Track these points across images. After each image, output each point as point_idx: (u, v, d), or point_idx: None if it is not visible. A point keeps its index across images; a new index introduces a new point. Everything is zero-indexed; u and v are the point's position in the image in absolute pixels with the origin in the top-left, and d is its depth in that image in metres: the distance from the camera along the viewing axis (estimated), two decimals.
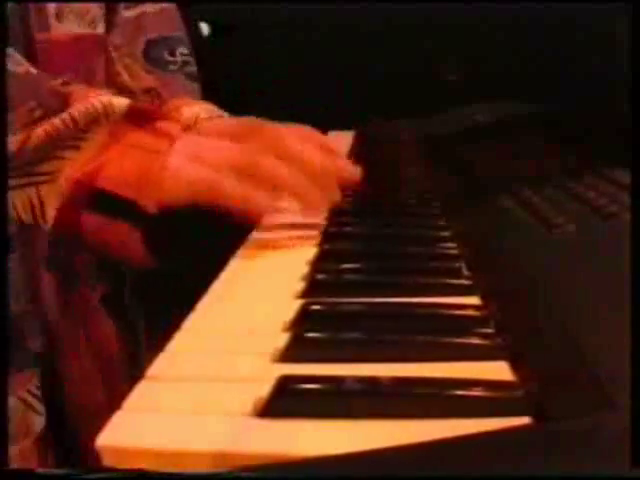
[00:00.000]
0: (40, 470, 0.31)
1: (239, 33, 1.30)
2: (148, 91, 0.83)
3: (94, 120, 0.60)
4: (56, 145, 0.59)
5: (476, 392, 0.33)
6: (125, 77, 0.82)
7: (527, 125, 0.96)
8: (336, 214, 0.65)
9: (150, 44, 0.84)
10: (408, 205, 0.69)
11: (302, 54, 1.27)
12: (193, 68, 0.87)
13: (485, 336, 0.39)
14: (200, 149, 0.61)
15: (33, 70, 0.64)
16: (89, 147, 0.59)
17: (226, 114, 0.82)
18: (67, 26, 0.73)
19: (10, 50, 0.63)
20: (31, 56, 0.68)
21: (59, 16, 0.72)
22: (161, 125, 0.62)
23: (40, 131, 0.59)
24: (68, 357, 0.71)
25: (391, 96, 1.22)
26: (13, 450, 0.64)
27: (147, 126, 0.61)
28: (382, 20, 1.24)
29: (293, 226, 0.62)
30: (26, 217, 0.60)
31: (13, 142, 0.58)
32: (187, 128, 0.78)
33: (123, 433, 0.32)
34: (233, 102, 0.79)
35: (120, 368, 0.73)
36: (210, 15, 1.30)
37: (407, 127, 1.09)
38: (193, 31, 1.22)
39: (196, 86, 0.87)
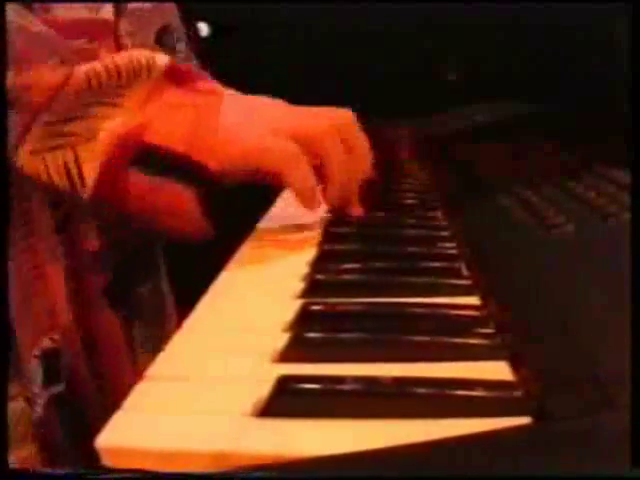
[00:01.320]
0: (40, 470, 0.31)
1: (239, 33, 1.30)
2: None
3: (137, 74, 0.56)
4: (95, 97, 0.55)
5: (476, 392, 0.33)
6: None
7: (527, 125, 0.96)
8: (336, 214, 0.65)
9: (160, 32, 0.80)
10: (408, 205, 0.69)
11: (302, 54, 1.27)
12: (194, 62, 0.84)
13: (485, 336, 0.39)
14: (256, 109, 0.59)
15: (51, 31, 0.59)
16: (130, 104, 0.55)
17: None
18: (69, 10, 0.68)
19: (22, 10, 0.57)
20: None
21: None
22: (203, 84, 0.59)
23: (81, 73, 0.55)
24: (74, 350, 0.70)
25: (391, 96, 1.22)
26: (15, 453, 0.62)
27: (188, 85, 0.58)
28: (382, 20, 1.24)
29: (295, 227, 0.62)
30: (61, 183, 0.55)
31: (51, 81, 0.53)
32: None
33: (123, 433, 0.32)
34: None
35: (125, 361, 0.72)
36: (210, 15, 1.30)
37: (407, 127, 1.09)
38: (193, 31, 1.22)
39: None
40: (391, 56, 1.25)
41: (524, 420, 0.32)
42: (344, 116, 0.63)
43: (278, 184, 0.59)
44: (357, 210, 0.62)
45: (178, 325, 0.44)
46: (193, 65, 0.82)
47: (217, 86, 0.61)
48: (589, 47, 1.03)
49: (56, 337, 0.63)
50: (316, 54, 1.27)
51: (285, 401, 0.33)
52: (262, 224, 0.66)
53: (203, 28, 1.30)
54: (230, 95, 0.60)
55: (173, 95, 0.57)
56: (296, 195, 0.58)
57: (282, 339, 0.39)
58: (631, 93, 0.54)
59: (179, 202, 0.57)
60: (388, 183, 0.78)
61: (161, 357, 0.39)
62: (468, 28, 1.20)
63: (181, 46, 0.82)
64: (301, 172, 0.56)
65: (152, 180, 0.55)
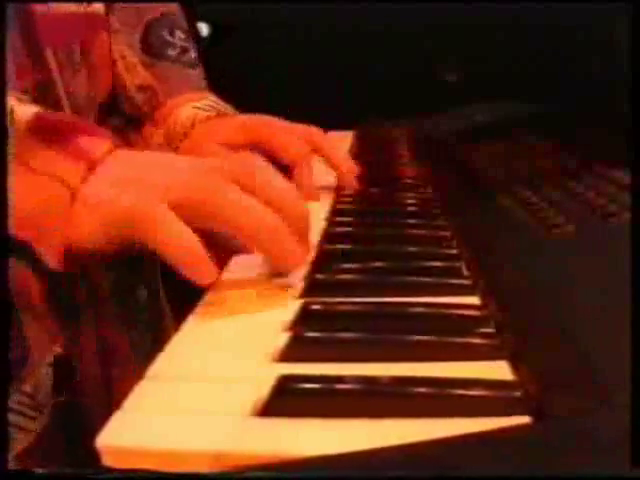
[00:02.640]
0: (40, 470, 0.31)
1: (239, 33, 1.30)
2: (144, 89, 0.77)
3: None
4: None
5: (475, 392, 0.33)
6: (120, 67, 0.76)
7: (527, 125, 0.96)
8: (336, 214, 0.65)
9: (150, 24, 0.79)
10: (408, 205, 0.68)
11: (302, 54, 1.27)
12: (192, 54, 0.82)
13: (485, 336, 0.39)
14: (132, 171, 0.48)
15: None
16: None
17: (230, 107, 0.79)
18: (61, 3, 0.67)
19: None
20: (29, 28, 0.61)
21: None
22: (81, 142, 0.49)
23: None
24: (83, 357, 0.67)
25: (391, 96, 1.22)
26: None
27: (60, 144, 0.48)
28: (382, 20, 1.24)
29: None
30: None
31: None
32: (184, 136, 0.75)
33: (123, 433, 0.32)
34: (233, 102, 0.79)
35: (129, 366, 0.71)
36: (210, 15, 1.30)
37: (407, 127, 1.09)
38: (193, 31, 1.22)
39: (197, 72, 0.82)
40: (391, 56, 1.25)
41: (524, 420, 0.32)
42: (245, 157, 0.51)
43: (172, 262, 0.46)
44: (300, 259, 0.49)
45: (176, 329, 0.43)
46: (185, 63, 0.80)
47: (100, 144, 0.50)
48: (589, 47, 1.03)
49: (66, 344, 0.62)
50: (316, 54, 1.27)
51: (285, 401, 0.33)
52: None
53: (203, 28, 1.30)
54: (113, 159, 0.49)
55: (40, 157, 0.48)
56: (177, 268, 0.46)
57: (282, 339, 0.39)
58: (631, 93, 0.54)
59: (27, 288, 0.52)
60: (388, 183, 0.78)
61: (161, 357, 0.39)
62: (468, 28, 1.20)
63: (180, 35, 0.80)
64: (169, 236, 0.45)
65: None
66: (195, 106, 0.77)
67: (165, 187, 0.46)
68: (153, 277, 0.75)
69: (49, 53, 0.64)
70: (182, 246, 0.45)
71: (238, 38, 1.30)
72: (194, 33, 0.94)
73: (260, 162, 0.50)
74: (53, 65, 0.64)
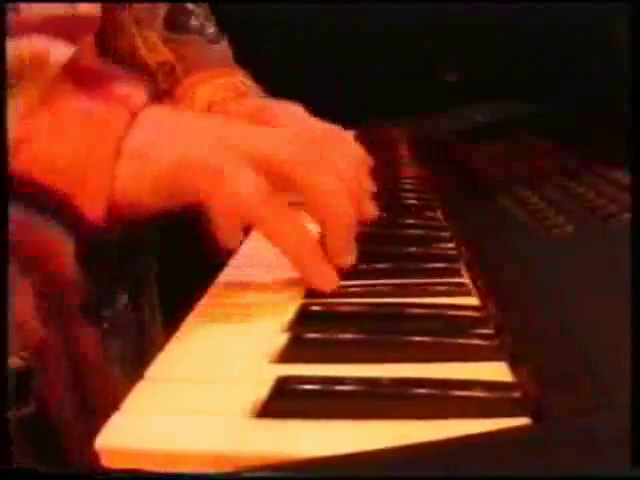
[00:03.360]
0: (40, 470, 0.30)
1: (239, 33, 1.30)
2: (162, 65, 0.72)
3: (19, 72, 0.43)
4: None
5: (475, 393, 0.33)
6: (143, 51, 0.72)
7: (527, 125, 0.96)
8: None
9: (172, 9, 0.75)
10: (408, 205, 0.68)
11: (302, 54, 1.27)
12: (213, 29, 0.79)
13: (484, 337, 0.39)
14: (187, 129, 0.44)
15: None
16: (19, 106, 0.42)
17: (255, 86, 0.74)
18: (37, 7, 0.61)
19: None
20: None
21: None
22: (119, 88, 0.45)
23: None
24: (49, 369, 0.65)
25: (391, 96, 1.22)
26: None
27: (96, 88, 0.44)
28: (382, 20, 1.24)
29: None
30: None
31: None
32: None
33: (121, 434, 0.32)
34: None
35: (105, 378, 0.68)
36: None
37: (407, 127, 1.09)
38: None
39: (220, 46, 0.79)
40: (391, 56, 1.25)
41: (523, 421, 0.31)
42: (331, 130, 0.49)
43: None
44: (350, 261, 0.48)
45: (164, 339, 0.41)
46: (207, 38, 0.77)
47: (138, 92, 0.46)
48: (589, 47, 1.03)
49: (26, 355, 0.59)
50: (316, 54, 1.27)
51: (284, 402, 0.33)
52: None
53: None
54: (158, 108, 0.46)
55: (70, 102, 0.43)
56: (214, 226, 0.43)
57: (281, 339, 0.39)
58: (631, 93, 0.54)
59: (54, 253, 0.46)
60: (388, 183, 0.78)
61: (159, 358, 0.39)
62: (468, 28, 1.20)
63: (199, 23, 0.77)
64: (227, 191, 0.42)
65: (28, 217, 0.43)
66: (215, 83, 0.73)
67: (230, 139, 0.43)
68: (135, 282, 0.74)
69: None
70: (232, 207, 0.42)
71: (238, 38, 1.30)
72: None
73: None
74: None
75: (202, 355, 0.40)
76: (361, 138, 1.04)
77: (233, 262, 0.55)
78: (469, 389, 0.33)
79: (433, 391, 0.33)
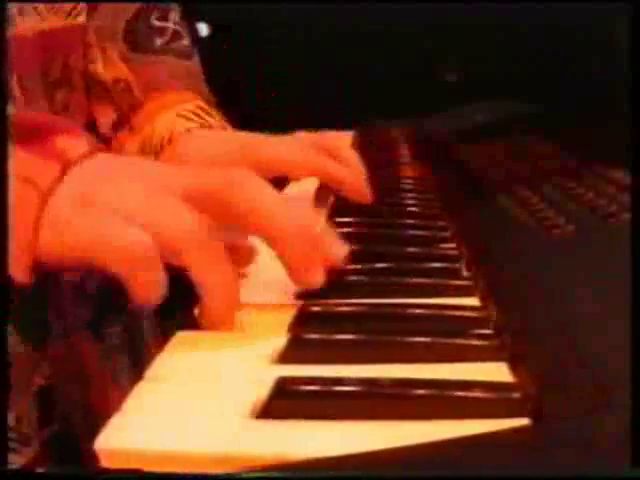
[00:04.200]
0: (40, 470, 0.30)
1: (239, 33, 1.30)
2: (117, 81, 0.70)
3: None
4: None
5: (475, 393, 0.33)
6: (99, 65, 0.70)
7: (527, 125, 0.96)
8: (336, 214, 0.64)
9: (139, 12, 0.72)
10: (408, 205, 0.68)
11: (302, 54, 1.27)
12: (185, 42, 0.75)
13: (484, 337, 0.39)
14: (112, 195, 0.42)
15: None
16: None
17: (218, 115, 0.72)
18: (33, 21, 0.62)
19: None
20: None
21: (22, 10, 0.61)
22: (57, 142, 0.44)
23: None
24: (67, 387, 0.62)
25: (391, 96, 1.22)
26: None
27: (34, 144, 0.43)
28: (382, 20, 1.24)
29: None
30: None
31: None
32: (161, 149, 0.67)
33: (122, 435, 0.32)
34: (233, 103, 0.78)
35: (111, 394, 0.65)
36: (210, 15, 1.30)
37: (407, 127, 1.09)
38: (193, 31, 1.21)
39: (189, 65, 0.75)
40: (391, 56, 1.25)
41: (523, 421, 0.31)
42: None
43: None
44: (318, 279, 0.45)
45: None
46: (175, 53, 0.73)
47: (79, 145, 0.45)
48: (589, 47, 1.03)
49: (47, 374, 0.59)
50: (316, 54, 1.27)
51: (284, 403, 0.33)
52: None
53: (203, 28, 1.30)
54: (88, 165, 0.44)
55: (13, 159, 0.42)
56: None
57: (281, 340, 0.39)
58: (631, 93, 0.54)
59: None
60: (388, 183, 0.78)
61: (160, 358, 0.39)
62: (468, 28, 1.20)
63: (174, 18, 0.74)
64: (145, 276, 0.40)
65: None
66: (177, 112, 0.70)
67: (143, 215, 0.40)
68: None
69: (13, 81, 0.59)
70: (154, 290, 0.40)
71: (238, 38, 1.30)
72: (192, 31, 0.88)
73: (254, 178, 0.44)
74: (17, 92, 0.60)
75: (202, 355, 0.39)
76: (361, 138, 1.05)
77: None
78: (469, 389, 0.33)
79: (433, 392, 0.33)
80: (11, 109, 0.47)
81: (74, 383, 0.62)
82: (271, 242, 0.43)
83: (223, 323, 0.41)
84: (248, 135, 0.69)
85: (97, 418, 0.60)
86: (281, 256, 0.43)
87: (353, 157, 0.68)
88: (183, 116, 0.69)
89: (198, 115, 0.70)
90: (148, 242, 0.39)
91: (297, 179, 0.68)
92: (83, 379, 0.63)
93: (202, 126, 0.70)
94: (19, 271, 0.41)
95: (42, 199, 0.41)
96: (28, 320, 0.46)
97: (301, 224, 0.43)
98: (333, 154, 0.67)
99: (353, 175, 0.67)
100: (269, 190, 0.43)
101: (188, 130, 0.68)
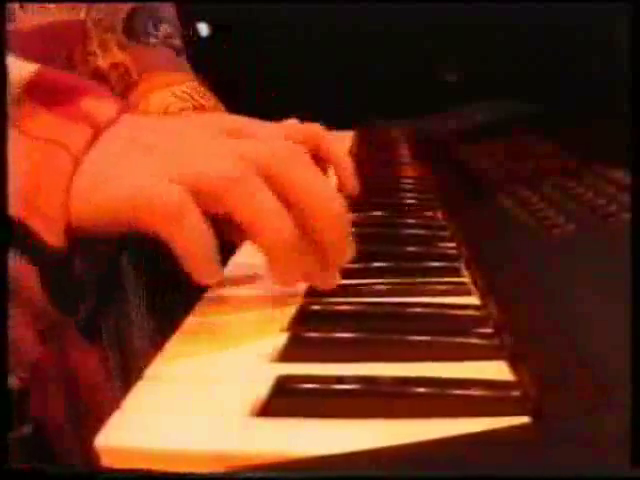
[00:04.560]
0: (40, 470, 0.30)
1: (239, 33, 1.30)
2: (116, 66, 0.70)
3: None
4: None
5: (475, 392, 0.33)
6: (99, 56, 0.70)
7: (527, 125, 0.96)
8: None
9: (134, 11, 0.73)
10: (408, 205, 0.68)
11: (302, 54, 1.27)
12: (178, 42, 0.76)
13: (484, 336, 0.39)
14: (144, 142, 0.42)
15: None
16: None
17: (211, 96, 0.72)
18: (36, 15, 0.63)
19: None
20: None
21: (23, 5, 0.61)
22: (85, 103, 0.43)
23: None
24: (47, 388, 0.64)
25: (391, 96, 1.22)
26: None
27: (61, 106, 0.42)
28: (382, 20, 1.24)
29: None
30: None
31: None
32: None
33: (122, 433, 0.32)
34: (233, 102, 0.78)
35: (104, 394, 0.66)
36: (210, 15, 1.30)
37: (407, 127, 1.09)
38: (192, 31, 1.22)
39: (182, 60, 0.76)
40: (391, 56, 1.25)
41: (523, 420, 0.31)
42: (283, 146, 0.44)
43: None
44: (332, 282, 0.45)
45: (154, 353, 0.40)
46: (169, 46, 0.74)
47: (108, 108, 0.44)
48: (589, 47, 1.03)
49: (24, 376, 0.55)
50: (316, 54, 1.27)
51: (284, 401, 0.33)
52: None
53: (203, 28, 1.30)
54: (122, 124, 0.43)
55: (30, 123, 0.41)
56: (183, 263, 0.41)
57: (281, 339, 0.39)
58: (631, 93, 0.54)
59: (20, 278, 0.43)
60: (388, 183, 0.78)
61: (160, 357, 0.39)
62: (468, 28, 1.20)
63: (166, 27, 0.75)
64: (186, 231, 0.39)
65: None
66: (172, 92, 0.70)
67: (181, 167, 0.40)
68: (122, 301, 0.70)
69: None
70: (196, 243, 0.40)
71: (238, 38, 1.30)
72: (190, 32, 0.89)
73: (302, 155, 0.43)
74: None
75: (202, 354, 0.39)
76: (361, 138, 1.05)
77: (235, 258, 0.55)
78: (469, 388, 0.33)
79: (433, 390, 0.33)
80: (32, 66, 0.45)
81: (59, 383, 0.62)
82: (260, 249, 0.42)
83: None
84: (234, 118, 0.69)
85: (86, 418, 0.60)
86: (266, 258, 0.42)
87: (342, 154, 0.68)
88: (178, 96, 0.70)
89: (192, 97, 0.70)
90: (184, 197, 0.39)
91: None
92: (70, 378, 0.63)
93: (195, 108, 0.70)
94: (53, 235, 0.40)
95: (75, 162, 0.40)
96: (60, 287, 0.44)
97: (286, 235, 0.41)
98: (322, 149, 0.67)
99: (342, 167, 0.66)
100: (322, 178, 0.43)
101: (181, 109, 0.69)
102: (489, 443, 0.29)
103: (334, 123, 0.72)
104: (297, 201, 0.42)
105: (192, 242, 0.40)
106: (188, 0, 0.85)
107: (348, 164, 0.69)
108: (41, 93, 0.42)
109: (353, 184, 0.67)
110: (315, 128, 0.69)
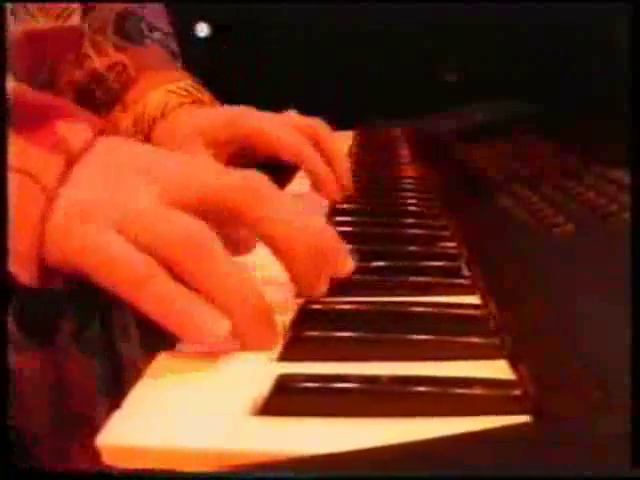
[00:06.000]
0: (41, 470, 0.30)
1: (239, 33, 1.30)
2: (113, 66, 0.70)
3: None
4: None
5: (475, 391, 0.33)
6: (94, 58, 0.70)
7: (527, 125, 0.96)
8: (336, 214, 0.64)
9: (126, 13, 0.73)
10: (408, 205, 0.69)
11: (302, 54, 1.27)
12: (173, 45, 0.76)
13: (485, 335, 0.39)
14: (114, 183, 0.39)
15: None
16: None
17: (208, 94, 0.72)
18: (24, 21, 0.62)
19: None
20: None
21: (13, 10, 0.61)
22: (59, 129, 0.40)
23: None
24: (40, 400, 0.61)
25: (391, 96, 1.22)
26: None
27: (34, 131, 0.40)
28: (382, 20, 1.24)
29: None
30: None
31: None
32: (153, 123, 0.68)
33: (122, 432, 0.32)
34: (232, 103, 0.78)
35: (96, 403, 0.64)
36: (210, 15, 1.30)
37: (407, 127, 1.09)
38: (189, 31, 1.22)
39: (176, 64, 0.76)
40: (391, 56, 1.25)
41: (523, 419, 0.32)
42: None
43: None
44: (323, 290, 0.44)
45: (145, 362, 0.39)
46: (165, 48, 0.75)
47: (84, 132, 0.41)
48: (589, 47, 1.03)
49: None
50: (316, 54, 1.27)
51: (285, 400, 0.33)
52: None
53: (203, 28, 1.30)
54: (95, 157, 0.41)
55: (11, 150, 0.39)
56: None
57: (282, 338, 0.39)
58: (631, 93, 0.54)
59: None
60: (388, 183, 0.78)
61: (160, 356, 0.39)
62: (468, 28, 1.20)
63: (157, 35, 0.75)
64: (153, 298, 0.37)
65: None
66: (169, 89, 0.70)
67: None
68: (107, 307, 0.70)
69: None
70: (166, 309, 0.37)
71: (238, 38, 1.30)
72: (189, 34, 0.89)
73: (269, 184, 0.41)
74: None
75: (202, 353, 0.39)
76: (361, 138, 1.05)
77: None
78: (469, 387, 0.33)
79: (433, 389, 0.33)
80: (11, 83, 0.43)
81: (49, 392, 0.61)
82: (281, 255, 0.42)
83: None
84: (236, 108, 0.69)
85: (80, 429, 0.59)
86: (289, 270, 0.42)
87: (338, 150, 0.69)
88: (175, 92, 0.70)
89: (189, 92, 0.71)
90: (139, 260, 0.37)
91: (282, 158, 0.67)
92: (60, 388, 0.62)
93: (194, 102, 0.70)
94: (25, 273, 0.39)
95: (48, 197, 0.38)
96: (33, 321, 0.43)
97: (313, 237, 0.42)
98: (320, 144, 0.68)
99: (325, 172, 0.67)
100: (286, 200, 0.41)
101: (180, 104, 0.69)
102: (489, 442, 0.29)
103: (334, 123, 0.73)
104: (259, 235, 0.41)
105: (160, 308, 0.37)
106: (188, 0, 0.85)
107: (345, 162, 0.70)
108: (13, 116, 0.40)
109: (348, 182, 0.69)
110: (316, 123, 0.70)
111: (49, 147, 0.40)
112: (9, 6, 0.61)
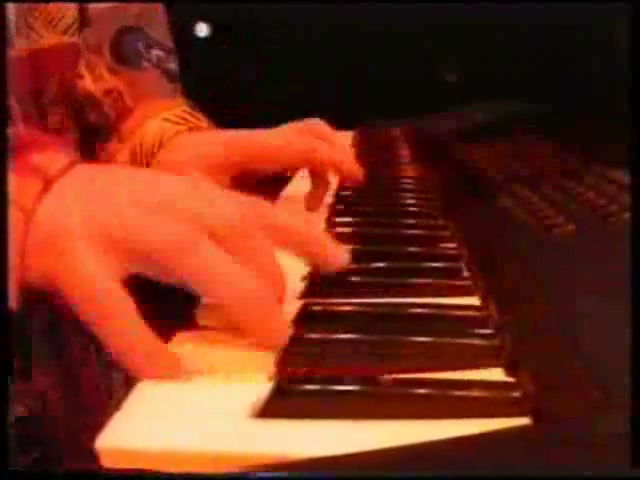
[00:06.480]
0: (41, 470, 0.30)
1: (239, 33, 1.30)
2: (109, 92, 0.70)
3: None
4: None
5: (475, 392, 0.33)
6: (87, 80, 0.70)
7: (527, 125, 0.96)
8: (336, 214, 0.64)
9: (123, 32, 0.72)
10: (408, 205, 0.68)
11: (302, 54, 1.27)
12: (172, 65, 0.75)
13: (484, 336, 0.39)
14: (94, 207, 0.40)
15: None
16: None
17: (204, 119, 0.72)
18: (29, 39, 0.62)
19: None
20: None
21: (19, 29, 0.61)
22: (36, 157, 0.42)
23: None
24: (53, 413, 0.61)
25: (391, 96, 1.22)
26: None
27: (12, 160, 0.41)
28: (382, 20, 1.24)
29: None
30: None
31: None
32: (152, 155, 0.67)
33: (122, 434, 0.32)
34: (232, 103, 0.78)
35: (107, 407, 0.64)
36: (210, 15, 1.30)
37: (407, 127, 1.09)
38: (188, 32, 1.21)
39: (175, 87, 0.76)
40: (391, 56, 1.25)
41: (523, 420, 0.31)
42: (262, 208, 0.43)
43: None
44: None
45: None
46: (163, 71, 0.74)
47: (59, 159, 0.43)
48: (589, 47, 1.03)
49: (32, 403, 0.57)
50: (316, 54, 1.27)
51: (285, 402, 0.33)
52: None
53: (203, 28, 1.30)
54: (70, 180, 0.41)
55: None
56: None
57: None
58: (631, 93, 0.54)
59: None
60: (388, 183, 0.78)
61: None
62: (468, 28, 1.20)
63: (157, 53, 0.74)
64: (118, 332, 0.38)
65: None
66: (164, 118, 0.70)
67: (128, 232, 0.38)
68: None
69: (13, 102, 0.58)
70: (128, 344, 0.37)
71: (238, 38, 1.30)
72: (187, 36, 0.88)
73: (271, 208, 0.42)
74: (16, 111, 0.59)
75: (202, 355, 0.39)
76: (361, 138, 1.05)
77: None
78: (469, 389, 0.33)
79: (433, 391, 0.34)
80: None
81: (68, 404, 0.61)
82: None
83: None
84: (233, 132, 0.69)
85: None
86: (235, 322, 0.40)
87: (340, 140, 0.70)
88: (171, 121, 0.69)
89: (185, 119, 0.70)
90: (109, 286, 0.37)
91: (289, 170, 0.69)
92: (78, 401, 0.62)
93: (191, 129, 0.69)
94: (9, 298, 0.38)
95: (27, 218, 0.39)
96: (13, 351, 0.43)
97: (254, 288, 0.39)
98: (321, 138, 0.68)
99: (343, 154, 0.68)
100: (221, 254, 0.39)
101: (177, 133, 0.68)
102: (489, 444, 0.29)
103: (334, 123, 0.73)
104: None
105: (123, 343, 0.37)
106: (188, 0, 0.85)
107: (350, 155, 0.71)
108: None
109: (358, 172, 0.69)
110: (316, 123, 0.70)
111: (27, 174, 0.41)
112: (12, 24, 0.60)
